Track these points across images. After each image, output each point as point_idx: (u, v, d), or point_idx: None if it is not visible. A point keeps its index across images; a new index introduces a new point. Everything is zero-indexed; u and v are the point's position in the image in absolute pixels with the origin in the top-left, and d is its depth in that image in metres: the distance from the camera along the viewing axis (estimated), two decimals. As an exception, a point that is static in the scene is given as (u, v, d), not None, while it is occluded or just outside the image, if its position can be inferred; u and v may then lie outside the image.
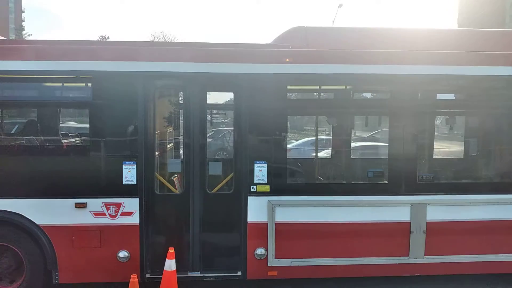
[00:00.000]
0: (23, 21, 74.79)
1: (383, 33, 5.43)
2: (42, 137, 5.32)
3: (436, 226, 4.93)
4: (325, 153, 6.99)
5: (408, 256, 4.95)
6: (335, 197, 4.87)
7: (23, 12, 78.55)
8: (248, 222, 4.81)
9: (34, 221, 4.62)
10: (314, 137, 10.06)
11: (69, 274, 4.72)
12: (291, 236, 4.84)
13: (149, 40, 30.86)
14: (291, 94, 5.26)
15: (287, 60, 4.83)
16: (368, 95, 5.79)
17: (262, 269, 4.84)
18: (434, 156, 6.34)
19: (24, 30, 64.05)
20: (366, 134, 9.51)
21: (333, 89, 5.50)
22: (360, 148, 7.55)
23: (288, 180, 4.97)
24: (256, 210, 4.81)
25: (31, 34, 59.77)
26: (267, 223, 4.80)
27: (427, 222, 4.92)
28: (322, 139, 7.25)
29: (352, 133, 6.57)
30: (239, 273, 4.91)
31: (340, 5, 28.30)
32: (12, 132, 5.96)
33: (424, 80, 4.95)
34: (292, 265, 4.86)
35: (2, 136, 5.48)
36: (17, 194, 4.63)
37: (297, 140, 11.30)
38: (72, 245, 4.66)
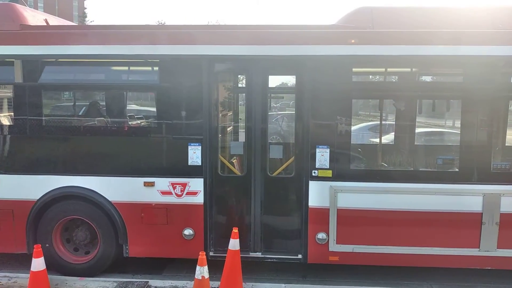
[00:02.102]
0: (86, 8, 78.54)
1: (453, 12, 5.07)
2: (113, 119, 5.61)
3: (511, 218, 4.63)
4: (385, 139, 6.74)
5: (479, 248, 4.70)
6: (401, 184, 4.70)
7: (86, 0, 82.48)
8: (309, 207, 4.79)
9: (106, 197, 4.92)
10: (371, 123, 9.77)
11: (138, 249, 5.01)
12: (354, 222, 4.76)
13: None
14: (356, 77, 5.09)
15: (352, 41, 4.67)
16: (438, 78, 5.46)
17: (323, 253, 4.83)
18: (506, 144, 5.91)
19: (86, 17, 67.26)
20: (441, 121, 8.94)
21: (400, 72, 5.23)
22: (425, 134, 7.20)
23: (351, 166, 4.87)
24: (318, 194, 4.77)
25: (93, 21, 62.71)
26: (328, 208, 4.75)
27: (501, 214, 4.63)
28: (384, 125, 6.98)
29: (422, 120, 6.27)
30: (299, 256, 4.94)
31: None
32: (80, 113, 6.32)
33: (497, 62, 4.60)
34: (354, 251, 4.80)
35: (75, 118, 5.85)
36: (92, 171, 4.94)
37: (353, 125, 10.96)
38: (141, 221, 4.92)
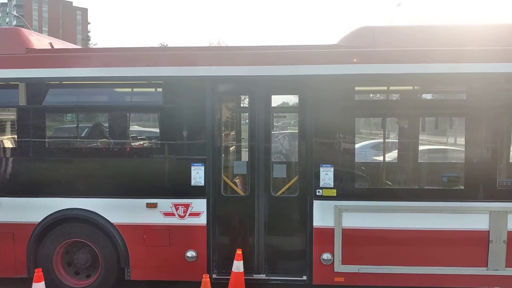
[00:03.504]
0: (89, 32, 79.97)
1: (454, 30, 5.12)
2: (116, 140, 5.59)
3: None
4: (388, 157, 6.71)
5: (487, 267, 4.61)
6: (407, 203, 4.65)
7: (89, 23, 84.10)
8: (314, 227, 4.73)
9: (108, 219, 4.88)
10: (373, 141, 9.75)
11: (140, 271, 4.92)
12: (359, 242, 4.69)
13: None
14: (359, 95, 5.11)
15: (355, 60, 4.71)
16: (441, 96, 5.47)
17: (328, 274, 4.74)
18: (510, 161, 5.87)
19: (90, 40, 68.46)
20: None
21: (403, 90, 5.26)
22: (428, 152, 7.17)
23: (356, 184, 4.83)
24: (322, 214, 4.72)
25: (97, 44, 63.78)
26: (333, 228, 4.69)
27: (508, 231, 4.56)
28: (387, 143, 6.97)
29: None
30: (304, 277, 4.85)
31: (399, 4, 27.25)
32: (83, 135, 6.32)
33: (499, 78, 4.61)
34: (360, 271, 4.71)
35: (78, 140, 5.85)
36: (94, 193, 4.91)
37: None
38: (143, 244, 4.85)
